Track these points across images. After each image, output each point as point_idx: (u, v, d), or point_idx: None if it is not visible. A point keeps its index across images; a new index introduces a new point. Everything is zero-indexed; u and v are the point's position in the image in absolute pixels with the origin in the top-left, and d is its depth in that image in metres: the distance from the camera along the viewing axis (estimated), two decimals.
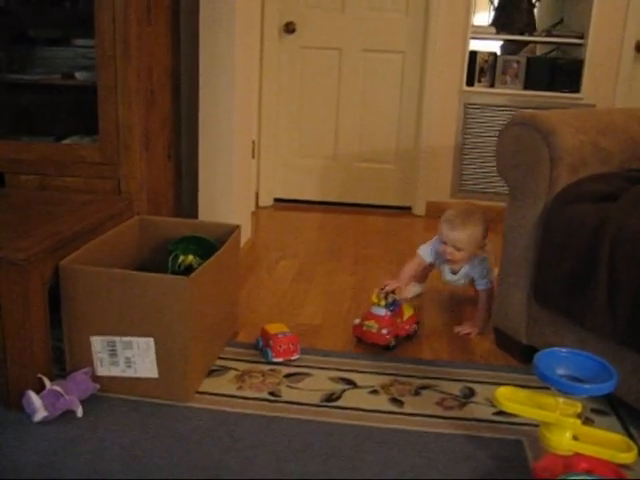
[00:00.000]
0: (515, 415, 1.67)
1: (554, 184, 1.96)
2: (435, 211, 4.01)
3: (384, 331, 2.10)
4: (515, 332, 2.10)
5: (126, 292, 1.70)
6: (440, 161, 4.03)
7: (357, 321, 2.18)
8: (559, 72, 3.87)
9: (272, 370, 1.98)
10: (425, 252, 2.40)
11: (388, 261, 3.13)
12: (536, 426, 1.59)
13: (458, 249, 2.27)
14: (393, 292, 2.18)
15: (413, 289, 2.65)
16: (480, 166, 4.00)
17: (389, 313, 2.14)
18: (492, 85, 3.94)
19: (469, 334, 2.31)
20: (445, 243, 2.27)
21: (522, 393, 1.53)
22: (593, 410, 1.82)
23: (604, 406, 1.85)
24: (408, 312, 2.23)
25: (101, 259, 1.85)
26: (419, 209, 4.08)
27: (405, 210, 4.13)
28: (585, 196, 1.91)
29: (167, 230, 2.16)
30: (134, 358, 1.74)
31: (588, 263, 1.77)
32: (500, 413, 1.76)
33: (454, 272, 2.41)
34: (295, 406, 1.77)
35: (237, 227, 2.11)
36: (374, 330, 2.11)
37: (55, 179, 2.38)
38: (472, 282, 2.42)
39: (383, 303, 2.14)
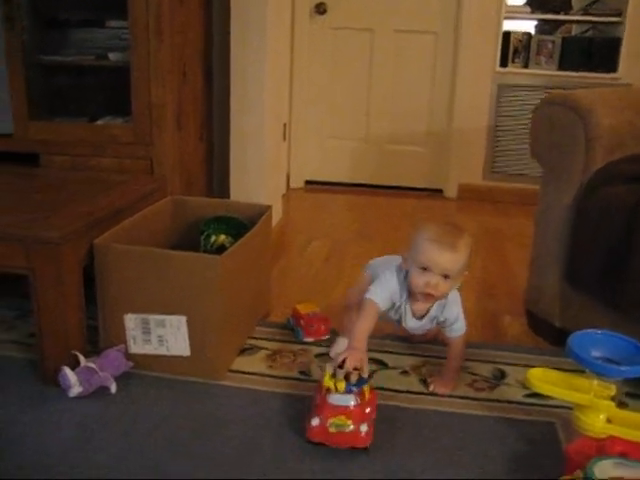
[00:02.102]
0: (547, 397, 1.66)
1: (589, 165, 1.93)
2: (467, 193, 4.00)
3: (363, 428, 1.48)
4: (548, 315, 2.08)
5: (159, 270, 1.71)
6: (472, 143, 3.99)
7: (315, 422, 1.49)
8: (595, 51, 3.81)
9: (303, 350, 1.98)
10: (381, 296, 1.73)
11: None
12: (569, 409, 1.57)
13: (446, 278, 1.68)
14: (355, 368, 1.54)
15: (343, 344, 1.88)
16: (513, 148, 3.96)
17: (358, 399, 1.51)
18: (526, 66, 3.89)
19: (442, 395, 1.78)
20: (426, 270, 1.67)
21: (555, 374, 1.51)
22: (627, 394, 1.80)
23: (639, 389, 1.82)
24: (367, 390, 1.56)
25: (134, 238, 1.86)
26: (451, 192, 4.06)
27: (436, 193, 4.11)
28: (621, 177, 1.88)
29: (199, 210, 2.17)
30: (167, 336, 1.76)
31: (623, 245, 1.74)
32: (532, 395, 1.75)
33: (419, 316, 1.80)
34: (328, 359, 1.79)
35: (269, 207, 2.12)
36: (349, 429, 1.47)
37: (89, 159, 2.40)
38: (439, 326, 1.86)
39: (343, 387, 1.50)
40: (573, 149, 1.93)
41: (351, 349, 1.60)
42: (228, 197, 2.84)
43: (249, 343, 2.00)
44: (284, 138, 3.63)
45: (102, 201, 1.92)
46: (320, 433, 1.48)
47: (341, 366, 1.53)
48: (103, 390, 1.69)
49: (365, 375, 1.55)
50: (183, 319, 1.73)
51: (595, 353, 1.44)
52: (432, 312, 1.78)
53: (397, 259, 1.82)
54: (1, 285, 2.22)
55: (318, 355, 1.95)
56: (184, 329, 1.74)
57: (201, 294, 1.70)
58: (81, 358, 1.71)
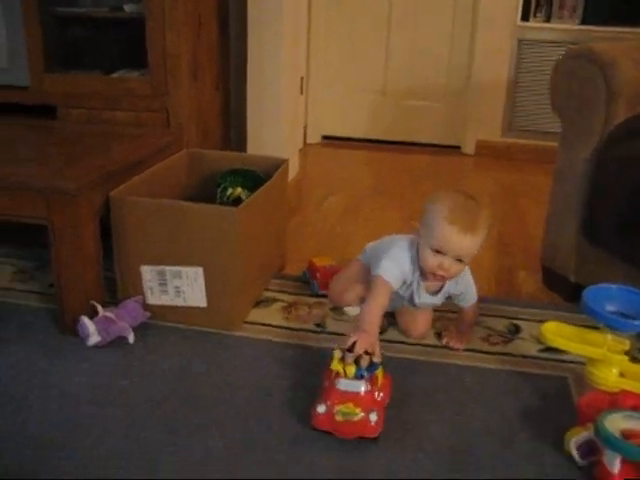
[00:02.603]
0: (561, 352, 1.67)
1: (610, 120, 1.90)
2: (485, 150, 3.96)
3: (373, 417, 1.36)
4: (563, 270, 2.07)
5: (176, 222, 1.72)
6: (491, 99, 3.94)
7: (321, 409, 1.38)
8: (621, 5, 3.72)
9: (318, 302, 2.00)
10: (394, 275, 1.60)
11: None
12: (582, 364, 1.58)
13: (460, 261, 1.59)
14: (366, 352, 1.41)
15: (354, 310, 1.89)
16: (533, 104, 3.90)
17: (368, 385, 1.40)
18: (548, 20, 3.81)
19: (457, 349, 1.77)
20: (440, 253, 1.56)
21: (569, 329, 1.52)
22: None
23: None
24: (380, 374, 1.46)
25: (150, 191, 1.87)
26: (468, 148, 4.02)
27: (454, 149, 4.07)
28: None
29: (216, 163, 2.16)
30: (183, 287, 1.77)
31: None
32: (546, 350, 1.76)
33: (433, 292, 1.72)
34: (340, 337, 1.79)
35: (285, 161, 2.11)
36: (357, 418, 1.35)
37: (105, 112, 2.40)
38: (451, 300, 1.79)
39: (353, 372, 1.39)
40: (594, 103, 1.90)
41: (362, 331, 1.44)
42: (245, 150, 2.84)
43: (265, 295, 2.02)
44: (301, 92, 3.60)
45: (118, 154, 1.92)
46: (326, 421, 1.37)
47: (350, 349, 1.40)
48: (121, 340, 1.72)
49: (377, 360, 1.42)
50: (200, 270, 1.74)
51: (609, 307, 1.44)
52: (446, 287, 1.70)
53: (398, 240, 1.70)
54: (21, 236, 2.25)
55: (333, 308, 1.96)
56: (201, 280, 1.75)
57: (217, 246, 1.71)
58: (99, 308, 1.73)
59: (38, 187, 1.65)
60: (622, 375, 1.44)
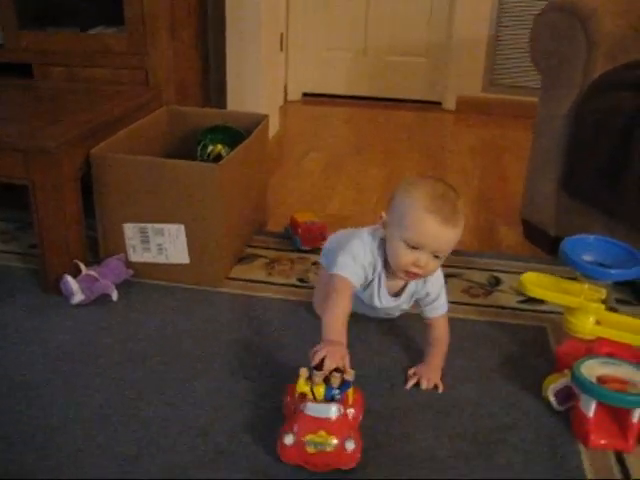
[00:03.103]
0: (539, 302, 1.71)
1: (590, 72, 1.91)
2: (466, 106, 3.95)
3: (349, 445, 1.17)
4: (543, 224, 2.09)
5: (156, 179, 1.72)
6: (472, 54, 3.91)
7: (288, 440, 1.18)
8: None
9: (300, 258, 2.01)
10: (353, 270, 1.40)
11: (417, 155, 3.11)
12: (560, 314, 1.61)
13: (437, 257, 1.37)
14: (337, 369, 1.21)
15: None
16: (514, 60, 3.88)
17: (341, 408, 1.20)
18: None
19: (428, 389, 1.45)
20: (416, 248, 1.34)
21: (547, 279, 1.54)
22: (618, 300, 1.83)
23: (629, 296, 1.86)
24: (350, 391, 1.26)
25: (130, 148, 1.86)
26: (449, 104, 4.01)
27: (435, 105, 4.06)
28: (622, 84, 1.86)
29: (196, 120, 2.15)
30: (165, 244, 1.78)
31: (621, 152, 1.74)
32: (525, 301, 1.79)
33: (394, 293, 1.51)
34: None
35: (265, 117, 2.11)
36: (331, 448, 1.16)
37: (83, 70, 2.36)
38: (418, 304, 1.54)
39: (323, 393, 1.21)
40: (573, 55, 1.90)
41: (329, 344, 1.25)
42: (225, 107, 2.81)
43: (247, 252, 2.03)
44: (281, 48, 3.57)
45: (97, 111, 1.91)
46: (296, 454, 1.18)
47: (318, 367, 1.21)
48: (104, 298, 1.73)
49: (350, 378, 1.23)
50: (182, 227, 1.75)
51: (587, 257, 1.47)
52: (411, 287, 1.49)
53: (356, 232, 1.50)
54: (1, 197, 2.23)
55: (316, 263, 1.97)
56: (183, 237, 1.76)
57: (199, 202, 1.71)
58: (82, 267, 1.73)
59: (18, 146, 1.64)
60: (598, 323, 1.48)
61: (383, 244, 1.43)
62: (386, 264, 1.43)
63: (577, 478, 1.23)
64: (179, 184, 1.71)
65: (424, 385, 1.43)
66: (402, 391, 1.44)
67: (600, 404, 1.30)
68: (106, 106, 1.96)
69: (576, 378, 1.31)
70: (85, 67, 2.35)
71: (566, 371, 1.39)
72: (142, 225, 1.77)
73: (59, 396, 1.38)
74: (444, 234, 1.33)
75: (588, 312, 1.46)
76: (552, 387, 1.40)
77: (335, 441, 1.16)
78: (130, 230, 1.78)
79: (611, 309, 1.76)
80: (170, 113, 2.17)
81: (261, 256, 2.01)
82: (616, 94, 1.82)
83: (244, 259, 1.99)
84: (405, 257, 1.35)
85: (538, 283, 1.52)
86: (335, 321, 1.32)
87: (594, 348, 1.44)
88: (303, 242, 2.03)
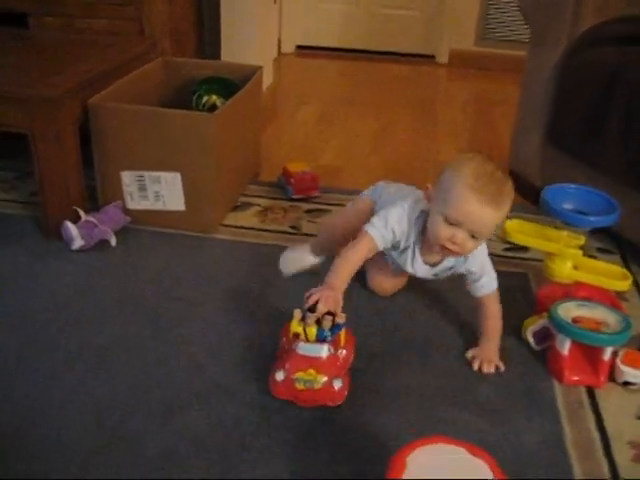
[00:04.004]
0: (523, 250, 1.78)
1: (577, 26, 1.95)
2: (458, 60, 3.97)
3: (337, 383, 1.25)
4: (529, 175, 2.15)
5: (153, 128, 1.76)
6: (466, 8, 3.91)
7: (279, 376, 1.26)
8: None
9: (293, 206, 2.07)
10: (382, 234, 1.42)
11: (409, 108, 3.15)
12: (541, 261, 1.68)
13: (475, 237, 1.34)
14: (329, 312, 1.27)
15: (309, 259, 1.67)
16: (507, 13, 3.89)
17: (331, 349, 1.27)
18: None
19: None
20: (455, 225, 1.32)
21: (530, 226, 1.60)
22: (599, 249, 1.91)
23: (609, 245, 1.93)
24: (343, 334, 1.32)
25: (127, 99, 1.89)
26: (442, 57, 4.02)
27: (428, 58, 4.07)
28: (607, 39, 1.90)
29: (191, 71, 2.19)
30: (162, 192, 1.83)
31: (603, 106, 1.79)
32: (510, 249, 1.86)
33: (431, 263, 1.49)
34: (314, 238, 1.87)
35: (260, 68, 2.14)
36: (319, 385, 1.24)
37: (78, 21, 2.38)
38: (461, 279, 1.52)
39: (314, 334, 1.26)
40: (561, 9, 1.94)
41: (327, 288, 1.30)
42: (219, 59, 2.84)
43: (241, 200, 2.09)
44: (274, 0, 3.56)
45: (94, 62, 1.93)
46: (285, 390, 1.25)
47: (312, 309, 1.27)
48: (104, 243, 1.78)
49: (341, 321, 1.28)
50: (178, 175, 1.80)
51: (567, 205, 1.53)
52: (450, 261, 1.46)
53: (403, 198, 1.48)
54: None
55: (308, 211, 2.04)
56: (179, 185, 1.81)
57: (194, 151, 1.76)
58: (81, 213, 1.79)
59: (18, 95, 1.68)
60: (576, 268, 1.54)
61: (423, 216, 1.42)
62: (424, 235, 1.43)
63: (550, 410, 1.32)
64: (175, 133, 1.75)
65: (485, 369, 1.42)
66: (392, 331, 1.52)
67: (574, 343, 1.37)
68: (102, 57, 1.99)
69: (553, 318, 1.39)
70: (80, 18, 2.37)
71: (544, 314, 1.46)
72: (139, 173, 1.82)
73: (62, 336, 1.45)
74: (484, 214, 1.30)
75: (566, 257, 1.53)
76: (531, 328, 1.48)
77: (324, 379, 1.23)
78: (128, 178, 1.83)
79: (592, 257, 1.84)
80: (165, 64, 2.20)
81: (255, 204, 2.07)
82: (601, 49, 1.87)
83: (238, 207, 2.04)
84: (442, 232, 1.34)
85: (520, 230, 1.58)
86: (341, 269, 1.37)
87: (571, 291, 1.52)
88: (295, 191, 2.08)
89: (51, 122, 1.69)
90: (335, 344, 1.28)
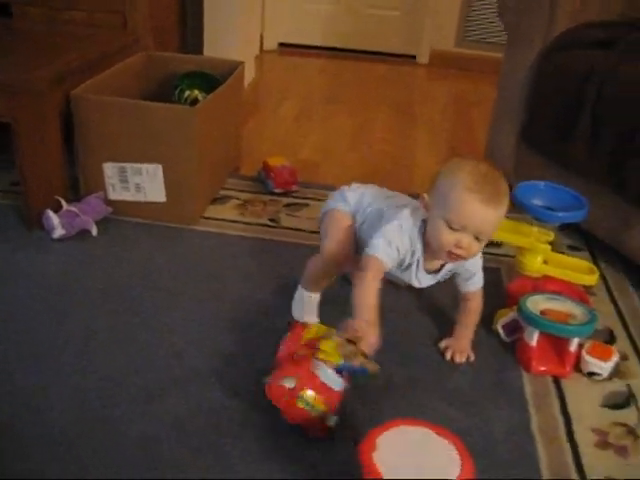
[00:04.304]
0: (496, 245, 1.83)
1: (551, 28, 2.00)
2: (439, 60, 4.02)
3: (331, 421, 1.19)
4: (504, 173, 2.11)
5: (135, 120, 1.79)
6: (447, 9, 3.97)
7: (289, 384, 1.17)
8: None
9: (272, 200, 2.11)
10: (389, 254, 1.36)
11: (388, 107, 3.20)
12: (513, 257, 1.73)
13: (479, 239, 1.33)
14: (352, 341, 1.21)
15: (310, 298, 1.55)
16: (488, 15, 3.94)
17: (344, 385, 1.22)
18: None
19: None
20: (457, 230, 1.30)
21: (502, 221, 1.64)
22: (569, 246, 1.97)
23: (579, 243, 1.99)
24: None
25: (109, 91, 1.91)
26: (423, 57, 4.08)
27: (409, 58, 4.12)
28: (581, 42, 1.96)
29: (173, 65, 2.21)
30: (143, 183, 1.86)
31: (575, 107, 1.85)
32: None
33: (433, 271, 1.46)
34: (293, 232, 1.91)
35: (241, 63, 2.17)
36: (315, 414, 1.18)
37: (61, 13, 2.39)
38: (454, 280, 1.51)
39: (339, 362, 1.20)
40: (536, 12, 1.99)
41: (368, 326, 1.24)
42: (201, 54, 2.86)
43: (221, 193, 2.12)
44: None
45: (76, 53, 1.94)
46: (283, 399, 1.18)
47: (351, 340, 1.21)
48: (85, 233, 1.81)
49: (373, 370, 1.22)
50: (159, 167, 1.83)
51: (537, 202, 1.58)
52: (449, 265, 1.45)
53: (398, 212, 1.41)
54: None
55: (287, 205, 2.08)
56: (160, 177, 1.84)
57: (176, 144, 1.79)
58: (63, 203, 1.81)
59: (1, 84, 1.69)
60: (546, 263, 1.59)
61: (424, 227, 1.38)
62: (426, 246, 1.39)
63: (518, 399, 1.37)
64: (157, 126, 1.78)
65: (457, 359, 1.46)
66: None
67: (542, 334, 1.42)
68: (85, 49, 2.00)
69: (521, 311, 1.44)
70: (64, 10, 2.38)
71: (514, 307, 1.51)
72: (121, 165, 1.85)
73: (45, 323, 1.47)
74: (486, 215, 1.29)
75: (537, 252, 1.58)
76: (501, 320, 1.53)
77: (322, 410, 1.18)
78: (110, 169, 1.86)
79: (561, 254, 1.89)
80: (147, 58, 2.23)
81: (234, 198, 2.10)
82: (574, 52, 1.92)
83: (218, 200, 2.08)
84: (446, 238, 1.31)
85: None
86: (369, 303, 1.29)
87: (541, 285, 1.57)
88: (275, 185, 2.12)
89: (34, 112, 1.71)
90: (347, 379, 1.23)
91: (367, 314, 1.26)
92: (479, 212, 1.28)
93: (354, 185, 1.59)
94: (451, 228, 1.31)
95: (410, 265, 1.42)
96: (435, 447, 1.02)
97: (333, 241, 1.50)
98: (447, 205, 1.30)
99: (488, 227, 1.31)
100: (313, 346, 1.23)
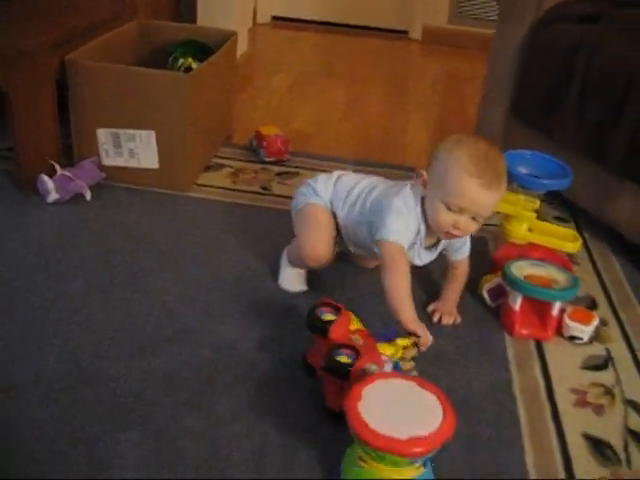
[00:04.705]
0: None
1: (542, 3, 2.02)
2: (431, 36, 4.02)
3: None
4: None
5: (129, 87, 1.81)
6: None
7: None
8: None
9: (264, 168, 2.13)
10: (405, 237, 1.35)
11: (380, 81, 3.22)
12: (498, 226, 1.77)
13: (476, 220, 1.33)
14: (416, 344, 1.24)
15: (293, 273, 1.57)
16: None
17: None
18: None
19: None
20: (455, 212, 1.30)
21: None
22: (555, 217, 2.01)
23: (565, 214, 2.03)
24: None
25: (103, 58, 1.92)
26: (415, 33, 4.07)
27: (402, 34, 4.13)
28: (569, 16, 1.98)
29: (166, 35, 2.22)
30: (137, 149, 1.88)
31: (563, 81, 1.88)
32: None
33: (430, 246, 1.46)
34: (284, 199, 1.93)
35: (234, 33, 2.19)
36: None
37: None
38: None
39: (397, 361, 1.23)
40: None
41: (419, 324, 1.25)
42: (195, 24, 2.87)
43: (214, 161, 2.14)
44: None
45: (71, 19, 1.95)
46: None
47: (414, 343, 1.23)
48: (79, 198, 1.83)
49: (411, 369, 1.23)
50: (152, 134, 1.85)
51: (523, 170, 1.61)
52: (444, 241, 1.46)
53: (398, 191, 1.39)
54: None
55: (279, 174, 2.11)
56: (153, 143, 1.86)
57: (169, 110, 1.81)
58: (57, 167, 1.83)
59: None
60: (531, 230, 1.63)
61: (423, 204, 1.37)
62: (426, 224, 1.39)
63: (501, 360, 1.41)
64: (151, 92, 1.80)
65: (445, 321, 1.50)
66: (352, 285, 1.60)
67: (525, 299, 1.46)
68: (79, 14, 2.01)
69: (506, 275, 1.47)
70: None
71: (499, 272, 1.55)
72: (115, 130, 1.87)
73: (40, 284, 1.50)
74: (485, 199, 1.28)
75: (522, 220, 1.61)
76: (486, 285, 1.57)
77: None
78: (103, 135, 1.88)
79: (544, 220, 1.93)
80: (141, 26, 2.24)
81: (227, 166, 2.13)
82: (564, 26, 1.94)
83: (211, 167, 2.10)
84: (445, 219, 1.31)
85: None
86: (406, 294, 1.28)
87: (526, 252, 1.61)
88: (267, 154, 2.14)
89: (28, 78, 1.72)
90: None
91: (412, 312, 1.26)
92: (479, 197, 1.27)
93: (320, 176, 1.57)
94: (449, 209, 1.30)
95: (414, 244, 1.41)
96: (418, 399, 1.06)
97: (313, 239, 1.48)
98: (445, 187, 1.29)
99: (488, 209, 1.31)
100: (370, 336, 1.22)
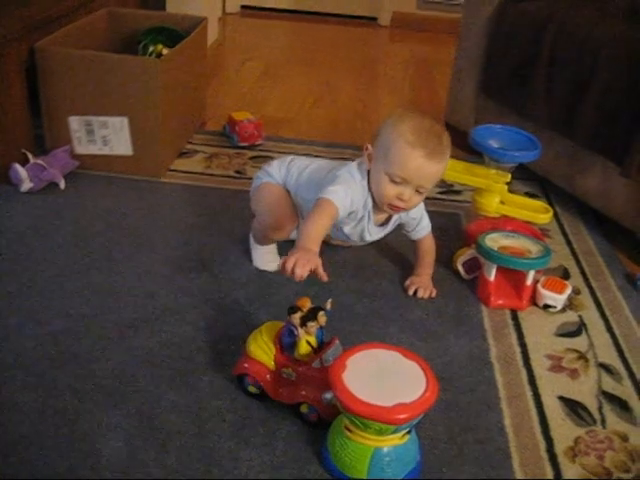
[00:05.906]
0: (456, 192, 1.89)
1: None
2: (401, 22, 4.05)
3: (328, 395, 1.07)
4: (464, 125, 2.25)
5: (100, 73, 1.80)
6: None
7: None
8: None
9: (238, 153, 2.14)
10: (343, 200, 1.33)
11: (350, 67, 3.23)
12: (471, 202, 1.79)
13: (420, 192, 1.36)
14: (320, 308, 1.16)
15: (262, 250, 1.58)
16: None
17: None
18: None
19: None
20: (399, 183, 1.33)
21: (460, 165, 1.71)
22: (527, 193, 2.04)
23: (535, 190, 2.06)
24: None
25: (73, 45, 1.92)
26: (384, 19, 4.10)
27: (371, 20, 4.15)
28: None
29: (135, 22, 2.22)
30: (110, 136, 1.88)
31: (531, 56, 1.91)
32: (444, 192, 1.97)
33: (381, 223, 1.50)
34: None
35: (204, 19, 2.19)
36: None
37: None
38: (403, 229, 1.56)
39: (314, 342, 1.17)
40: None
41: (300, 250, 1.17)
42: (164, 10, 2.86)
43: (187, 148, 2.15)
44: None
45: (39, 7, 1.94)
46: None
47: (293, 308, 1.16)
48: (53, 186, 1.82)
49: (327, 307, 1.17)
50: (125, 120, 1.85)
51: (493, 144, 1.64)
52: (396, 216, 1.49)
53: (344, 165, 1.43)
54: None
55: (252, 158, 2.11)
56: (126, 130, 1.86)
57: (141, 96, 1.81)
58: (30, 156, 1.82)
59: None
60: (503, 203, 1.66)
61: (370, 180, 1.40)
62: (373, 198, 1.41)
63: (478, 330, 1.44)
64: (122, 78, 1.80)
65: (421, 294, 1.52)
66: (328, 260, 1.61)
67: (500, 270, 1.49)
68: (46, 3, 2.00)
69: (480, 247, 1.50)
70: None
71: (473, 245, 1.57)
72: (87, 118, 1.86)
73: (17, 271, 1.49)
74: (428, 169, 1.31)
75: (494, 193, 1.64)
76: (461, 258, 1.60)
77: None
78: (76, 123, 1.87)
79: (518, 195, 1.96)
80: (110, 14, 2.23)
81: (201, 152, 2.13)
82: (530, 3, 1.97)
83: (185, 154, 2.10)
84: (389, 191, 1.34)
85: (452, 168, 1.68)
86: (314, 230, 1.25)
87: (498, 224, 1.63)
88: (240, 139, 2.14)
89: None
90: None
91: (309, 242, 1.21)
92: (421, 167, 1.30)
93: (274, 161, 1.59)
94: (393, 182, 1.33)
95: (362, 218, 1.44)
96: (402, 368, 1.08)
97: (271, 210, 1.51)
98: (389, 159, 1.32)
99: (430, 181, 1.34)
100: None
